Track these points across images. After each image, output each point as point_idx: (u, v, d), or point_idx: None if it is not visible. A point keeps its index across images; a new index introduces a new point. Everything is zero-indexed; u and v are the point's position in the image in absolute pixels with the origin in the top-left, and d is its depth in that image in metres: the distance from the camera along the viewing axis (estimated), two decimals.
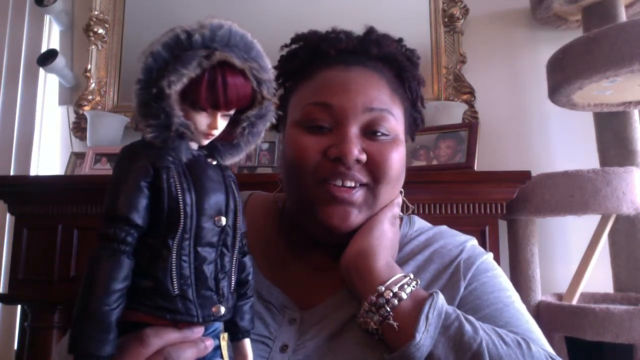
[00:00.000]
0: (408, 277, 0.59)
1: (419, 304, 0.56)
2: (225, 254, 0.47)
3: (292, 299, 0.64)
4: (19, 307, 1.74)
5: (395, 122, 0.64)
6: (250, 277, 0.52)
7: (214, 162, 0.48)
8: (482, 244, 1.37)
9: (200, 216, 0.44)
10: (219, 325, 0.50)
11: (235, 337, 0.51)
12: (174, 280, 0.43)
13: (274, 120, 0.49)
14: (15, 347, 1.59)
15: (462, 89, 1.82)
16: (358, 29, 0.70)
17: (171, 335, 0.45)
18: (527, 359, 0.54)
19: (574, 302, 1.44)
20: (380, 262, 0.59)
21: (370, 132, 0.62)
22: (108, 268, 0.41)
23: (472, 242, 0.70)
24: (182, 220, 0.43)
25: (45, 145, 1.98)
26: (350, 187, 0.61)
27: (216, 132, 0.46)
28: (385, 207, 0.65)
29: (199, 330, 0.47)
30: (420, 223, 0.73)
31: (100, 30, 1.98)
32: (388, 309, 0.56)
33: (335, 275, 0.64)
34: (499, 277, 0.66)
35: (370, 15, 1.88)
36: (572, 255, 1.61)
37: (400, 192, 0.69)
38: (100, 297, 0.40)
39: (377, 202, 0.63)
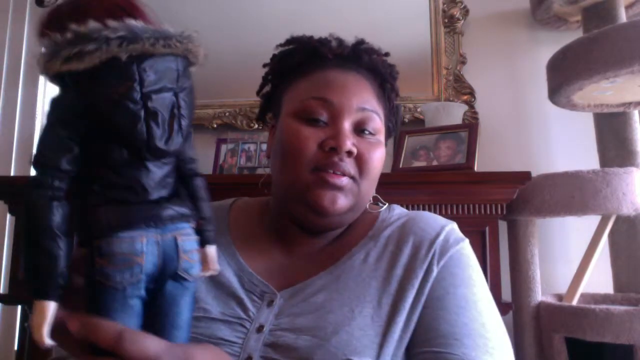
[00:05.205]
0: None
1: None
2: None
3: (273, 284, 0.68)
4: (19, 307, 1.74)
5: (380, 124, 0.71)
6: None
7: None
8: (482, 244, 1.38)
9: None
10: None
11: None
12: None
13: None
14: (16, 347, 1.59)
15: (462, 90, 1.82)
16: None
17: None
18: None
19: (574, 302, 1.44)
20: None
21: (359, 129, 0.69)
22: None
23: (452, 226, 0.72)
24: None
25: None
26: (341, 175, 0.66)
27: None
28: None
29: None
30: (400, 210, 0.77)
31: None
32: None
33: (314, 260, 0.70)
34: (469, 268, 0.68)
35: (371, 15, 1.89)
36: (572, 255, 1.61)
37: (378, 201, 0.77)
38: None
39: (359, 193, 0.69)
